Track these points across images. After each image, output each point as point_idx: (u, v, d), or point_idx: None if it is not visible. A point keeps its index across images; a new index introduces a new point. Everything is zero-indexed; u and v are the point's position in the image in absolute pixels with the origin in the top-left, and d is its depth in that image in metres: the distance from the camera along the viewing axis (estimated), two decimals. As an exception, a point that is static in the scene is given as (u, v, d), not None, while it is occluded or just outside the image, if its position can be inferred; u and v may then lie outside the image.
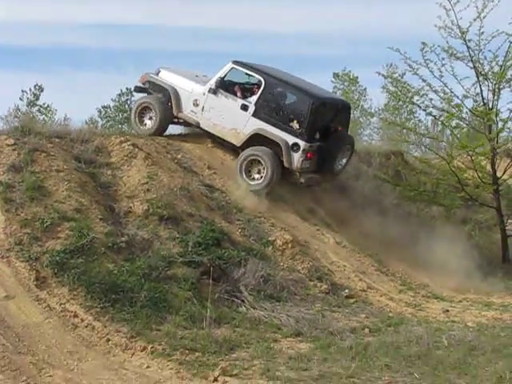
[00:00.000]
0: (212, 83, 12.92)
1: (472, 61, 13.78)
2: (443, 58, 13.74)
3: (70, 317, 8.48)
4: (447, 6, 13.40)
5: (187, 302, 9.19)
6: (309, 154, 12.36)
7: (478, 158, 14.17)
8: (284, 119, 12.43)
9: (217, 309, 9.26)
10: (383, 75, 15.04)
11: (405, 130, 19.27)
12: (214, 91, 12.87)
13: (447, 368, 7.89)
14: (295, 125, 12.32)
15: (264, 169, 12.36)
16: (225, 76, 12.94)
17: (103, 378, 7.56)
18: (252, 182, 12.43)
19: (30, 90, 32.25)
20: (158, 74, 13.65)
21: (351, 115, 14.19)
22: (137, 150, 11.87)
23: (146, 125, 13.38)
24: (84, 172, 10.95)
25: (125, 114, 32.86)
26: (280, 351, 8.47)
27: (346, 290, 10.89)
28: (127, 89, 33.23)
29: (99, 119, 32.80)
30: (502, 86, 13.90)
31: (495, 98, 13.98)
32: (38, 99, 32.56)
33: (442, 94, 14.02)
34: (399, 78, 14.83)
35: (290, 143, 12.28)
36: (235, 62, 12.95)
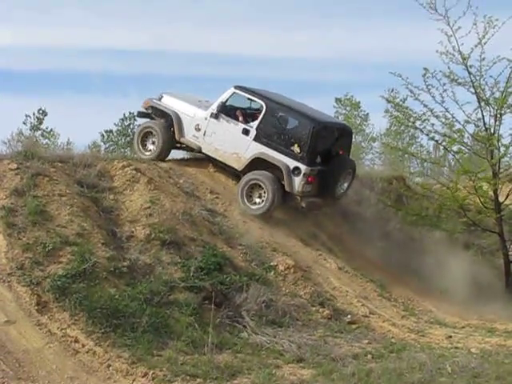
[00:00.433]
0: (214, 108, 12.99)
1: (473, 86, 13.85)
2: (445, 84, 13.81)
3: (70, 342, 8.43)
4: (449, 32, 13.51)
5: (189, 327, 9.14)
6: (310, 178, 12.38)
7: (480, 183, 14.16)
8: (285, 143, 12.47)
9: (218, 334, 9.21)
10: (386, 99, 15.14)
11: (407, 155, 19.35)
12: (215, 116, 12.95)
13: (451, 395, 7.84)
14: (296, 149, 12.35)
15: (265, 193, 12.37)
16: (226, 101, 13.01)
17: (104, 405, 7.51)
18: (253, 207, 12.44)
19: (34, 114, 32.50)
20: (160, 100, 13.73)
21: (353, 139, 14.21)
22: (139, 174, 11.89)
23: (148, 150, 13.43)
24: (86, 196, 10.96)
25: (127, 139, 33.02)
26: (282, 377, 8.40)
27: (349, 316, 10.83)
28: (130, 113, 33.45)
29: (102, 143, 32.97)
30: (503, 112, 13.94)
31: (497, 123, 14.02)
32: (41, 123, 32.76)
33: (443, 119, 14.07)
34: (401, 102, 14.91)
35: (291, 167, 12.31)
36: (237, 87, 13.03)
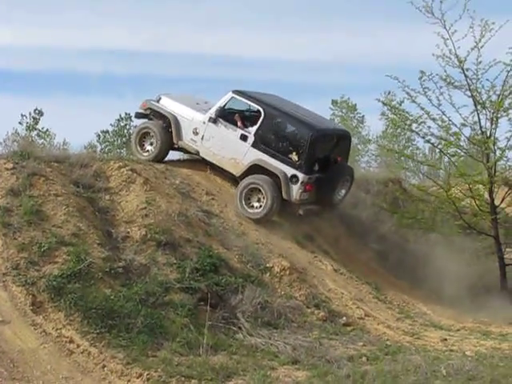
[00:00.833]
0: (212, 112, 12.95)
1: (470, 89, 13.89)
2: (441, 87, 13.85)
3: (65, 342, 8.43)
4: (445, 35, 13.55)
5: (184, 328, 9.14)
6: (308, 186, 12.34)
7: (475, 186, 14.19)
8: (283, 150, 12.42)
9: (214, 335, 9.20)
10: (382, 102, 15.17)
11: (403, 158, 19.36)
12: (213, 120, 12.90)
13: (445, 398, 7.84)
14: (294, 157, 12.31)
15: (264, 198, 12.34)
16: (225, 105, 12.97)
17: (98, 405, 7.50)
18: (250, 210, 12.41)
19: (30, 114, 32.39)
20: (158, 101, 13.65)
21: (351, 145, 14.18)
22: (135, 175, 11.87)
23: (146, 150, 13.38)
24: (82, 197, 10.94)
25: (124, 139, 32.96)
26: (277, 379, 8.40)
27: (344, 318, 10.83)
28: (126, 114, 33.39)
29: (98, 144, 32.90)
30: (499, 115, 13.98)
31: (493, 126, 14.06)
32: (37, 123, 32.67)
33: (439, 122, 14.10)
34: (397, 105, 14.94)
35: (289, 175, 12.27)
36: (235, 92, 12.97)
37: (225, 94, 13.10)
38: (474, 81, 13.83)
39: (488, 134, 14.07)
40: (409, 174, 16.92)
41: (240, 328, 9.65)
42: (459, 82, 13.90)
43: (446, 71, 13.80)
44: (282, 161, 12.34)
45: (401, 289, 12.72)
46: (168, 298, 9.58)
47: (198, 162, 13.49)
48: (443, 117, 14.01)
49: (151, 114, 13.68)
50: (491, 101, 13.92)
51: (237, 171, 12.78)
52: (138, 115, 14.07)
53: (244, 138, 12.67)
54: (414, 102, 14.01)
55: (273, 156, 12.41)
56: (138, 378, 8.10)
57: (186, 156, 14.23)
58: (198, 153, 13.22)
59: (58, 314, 8.71)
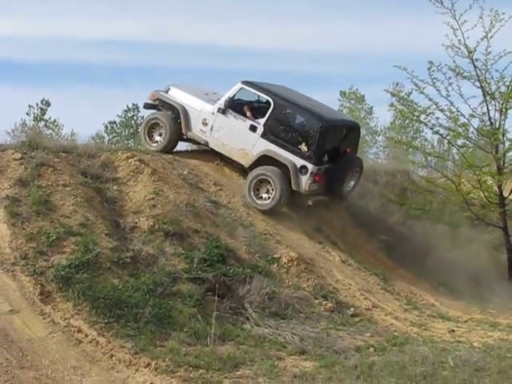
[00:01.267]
0: (221, 103, 12.92)
1: (479, 80, 13.83)
2: (450, 77, 13.80)
3: (74, 332, 8.45)
4: (454, 25, 13.48)
5: (192, 318, 9.16)
6: (317, 177, 12.31)
7: (484, 177, 14.14)
8: (292, 141, 12.40)
9: (221, 326, 9.21)
10: (391, 93, 15.10)
11: (411, 149, 19.31)
12: (223, 111, 12.87)
13: (453, 389, 7.84)
14: (303, 147, 12.28)
15: (273, 189, 12.32)
16: (234, 96, 12.94)
17: (106, 394, 7.53)
18: (259, 201, 12.39)
19: (37, 104, 32.51)
20: (167, 92, 13.63)
21: (360, 136, 14.12)
22: (143, 165, 11.88)
23: (155, 141, 13.38)
24: (90, 187, 10.96)
25: (131, 130, 33.03)
26: (284, 369, 8.42)
27: (351, 309, 10.83)
28: (133, 105, 33.46)
29: (105, 135, 32.99)
30: (508, 106, 13.92)
31: (502, 117, 14.01)
32: (44, 114, 32.78)
33: (448, 113, 14.07)
34: (406, 96, 14.88)
35: (298, 166, 12.24)
36: (244, 83, 12.94)
37: (234, 84, 13.07)
38: (483, 71, 13.80)
39: (497, 125, 14.03)
40: (417, 166, 16.82)
41: (248, 318, 9.66)
42: (468, 72, 13.87)
43: (454, 62, 13.78)
44: (292, 151, 12.32)
45: (408, 280, 12.70)
46: (176, 288, 9.59)
47: (206, 153, 13.49)
48: (452, 108, 13.98)
49: (160, 104, 13.66)
50: (500, 91, 13.88)
51: (246, 162, 12.77)
52: (147, 106, 14.05)
53: (253, 128, 12.65)
54: (422, 92, 13.98)
55: (282, 147, 12.39)
56: (145, 367, 8.12)
57: (194, 147, 14.23)
58: (207, 143, 13.22)
59: (67, 304, 8.74)
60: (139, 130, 15.83)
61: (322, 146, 12.35)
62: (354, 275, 11.93)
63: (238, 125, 12.80)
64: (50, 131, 30.84)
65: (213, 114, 13.00)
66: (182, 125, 13.26)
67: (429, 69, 13.81)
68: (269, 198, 12.37)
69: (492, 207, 14.23)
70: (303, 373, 8.26)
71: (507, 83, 13.77)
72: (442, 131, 14.60)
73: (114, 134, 34.07)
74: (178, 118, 13.33)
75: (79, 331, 8.46)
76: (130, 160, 11.94)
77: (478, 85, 13.86)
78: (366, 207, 14.29)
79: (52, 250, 9.39)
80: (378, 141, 31.64)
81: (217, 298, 9.51)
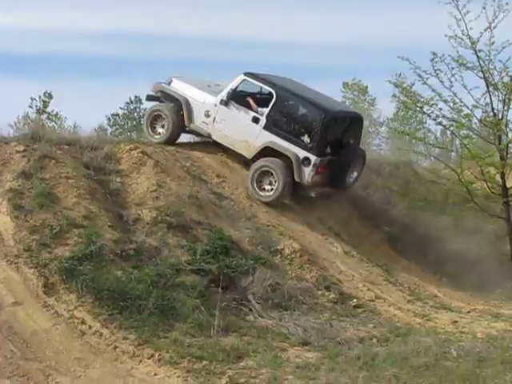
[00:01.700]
0: (224, 95, 12.90)
1: (482, 71, 13.77)
2: (453, 68, 13.73)
3: (77, 323, 8.48)
4: (458, 15, 13.41)
5: (195, 310, 9.17)
6: (320, 169, 12.30)
7: (487, 168, 14.11)
8: (295, 133, 12.38)
9: (224, 317, 9.22)
10: (394, 84, 15.04)
11: (414, 140, 19.26)
12: (225, 103, 12.85)
13: (456, 379, 7.84)
14: (306, 139, 12.27)
15: (276, 181, 12.32)
16: (236, 88, 12.92)
17: (110, 385, 7.56)
18: (262, 193, 12.39)
19: (40, 97, 32.48)
20: (170, 84, 13.60)
21: (363, 127, 14.08)
22: (146, 157, 11.89)
23: (158, 133, 13.37)
24: (93, 179, 10.97)
25: (134, 122, 33.03)
26: (287, 360, 8.44)
27: (354, 300, 10.84)
28: (136, 97, 33.44)
29: (108, 127, 32.99)
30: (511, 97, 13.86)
31: (505, 108, 13.94)
32: (47, 107, 32.77)
33: (451, 104, 13.99)
34: (409, 87, 14.83)
35: (301, 157, 12.23)
36: (247, 74, 12.91)
37: (236, 76, 13.05)
38: (486, 62, 13.71)
39: (500, 116, 13.97)
40: (420, 157, 16.80)
41: (251, 310, 9.68)
42: (471, 63, 13.78)
43: (458, 52, 13.69)
44: (294, 143, 12.30)
45: (411, 271, 12.71)
46: (179, 280, 9.61)
47: (208, 145, 13.48)
48: (455, 98, 13.90)
49: (162, 96, 13.64)
50: (503, 82, 13.80)
51: (249, 153, 12.76)
52: (150, 98, 14.04)
53: (256, 120, 12.63)
54: (425, 83, 13.91)
55: (285, 138, 12.37)
56: (149, 358, 8.14)
57: (196, 138, 14.22)
58: (209, 135, 13.21)
59: (70, 296, 8.76)
60: (142, 122, 15.85)
61: (325, 137, 12.34)
62: (357, 266, 11.93)
63: (241, 116, 12.78)
64: (53, 124, 30.84)
65: (215, 105, 12.98)
66: (185, 117, 13.24)
67: (432, 60, 13.75)
68: (272, 189, 12.37)
69: (495, 198, 14.20)
70: (306, 364, 8.28)
71: (510, 74, 13.70)
72: (445, 122, 14.54)
73: (117, 126, 34.09)
74: (180, 109, 13.31)
75: (83, 323, 8.49)
76: (132, 152, 11.95)
77: (481, 75, 13.80)
78: (369, 198, 14.28)
79: (55, 242, 9.41)
80: (380, 132, 31.61)
81: (220, 290, 9.52)
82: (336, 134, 12.78)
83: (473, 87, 13.81)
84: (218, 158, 13.27)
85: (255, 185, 12.40)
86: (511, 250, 14.32)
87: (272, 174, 12.34)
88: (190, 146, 13.78)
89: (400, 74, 16.25)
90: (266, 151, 12.50)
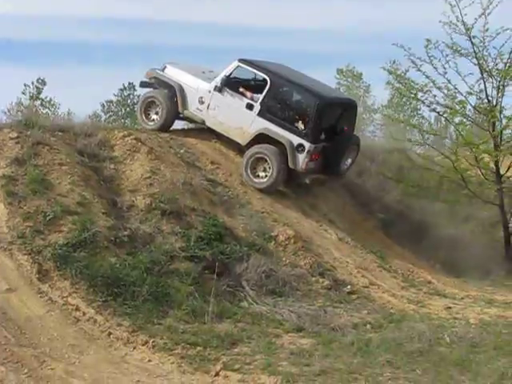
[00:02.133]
0: (218, 81, 12.85)
1: (476, 57, 13.76)
2: (447, 55, 13.72)
3: (71, 310, 8.49)
4: (452, 1, 13.38)
5: (189, 296, 9.18)
6: (314, 155, 12.28)
7: (481, 155, 14.13)
8: (289, 119, 12.35)
9: (219, 303, 9.24)
10: (388, 70, 15.02)
11: (408, 127, 19.26)
12: (219, 89, 12.80)
13: (449, 365, 7.90)
14: (300, 125, 12.25)
15: (270, 168, 12.30)
16: (230, 74, 12.86)
17: (104, 372, 7.57)
18: (256, 180, 12.38)
19: (33, 83, 32.33)
20: (163, 70, 13.53)
21: (357, 114, 14.05)
22: (140, 144, 11.85)
23: (152, 120, 13.32)
24: (87, 166, 10.94)
25: (127, 109, 32.92)
26: (282, 346, 8.47)
27: (348, 286, 10.86)
28: (130, 83, 33.31)
29: (102, 114, 32.87)
30: (506, 83, 13.87)
31: (499, 95, 13.96)
32: (40, 93, 32.62)
33: (445, 91, 14.02)
34: (403, 74, 14.80)
35: (295, 144, 12.20)
36: (241, 60, 12.84)
37: (231, 62, 12.99)
38: (480, 48, 13.72)
39: (494, 103, 13.99)
40: (414, 144, 16.80)
41: (245, 296, 9.70)
42: (465, 49, 13.79)
43: (452, 39, 13.68)
44: (289, 130, 12.28)
45: (405, 257, 12.74)
46: (173, 267, 9.61)
47: (202, 131, 13.44)
48: (449, 85, 13.92)
49: (156, 83, 13.57)
50: (498, 69, 13.81)
51: (243, 140, 12.73)
52: (143, 84, 13.96)
53: (250, 106, 12.59)
54: (419, 70, 13.90)
55: (279, 125, 12.34)
56: (143, 345, 8.16)
57: (190, 125, 14.17)
58: (203, 122, 13.16)
59: (64, 283, 8.76)
60: (136, 108, 15.78)
61: (319, 124, 12.31)
62: (351, 253, 11.96)
63: (235, 103, 12.74)
64: (47, 110, 30.71)
65: (209, 92, 12.93)
66: (179, 103, 13.19)
67: (426, 46, 13.74)
68: (266, 176, 12.36)
69: (489, 184, 14.24)
70: (300, 350, 8.31)
71: (505, 60, 13.71)
72: (439, 109, 14.55)
73: (111, 113, 33.95)
74: (174, 96, 13.25)
75: (77, 309, 8.49)
76: (126, 139, 11.91)
77: (476, 62, 13.80)
78: (363, 185, 14.30)
79: (49, 228, 9.39)
80: (375, 119, 31.56)
81: (214, 276, 9.52)
82: (330, 121, 12.75)
83: (467, 74, 13.85)
84: (212, 144, 13.24)
85: (249, 171, 12.39)
86: (504, 237, 14.39)
87: (266, 160, 12.32)
88: (184, 132, 13.74)
89: (394, 61, 16.24)
90: (261, 138, 12.47)
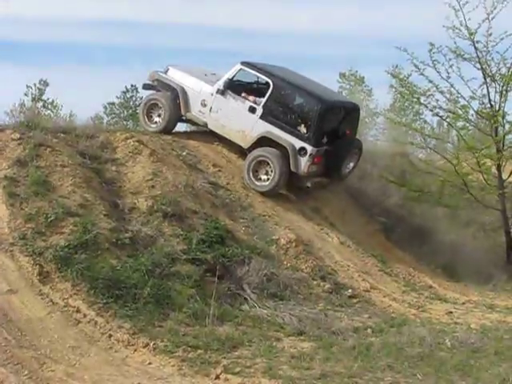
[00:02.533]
0: (220, 84, 12.86)
1: (479, 62, 13.76)
2: (450, 59, 13.72)
3: (72, 312, 8.47)
4: (456, 6, 13.38)
5: (190, 299, 9.17)
6: (316, 159, 12.29)
7: (483, 159, 14.12)
8: (291, 123, 12.35)
9: (220, 306, 9.23)
10: (391, 74, 15.02)
11: (410, 131, 19.24)
12: (222, 92, 12.80)
13: (450, 370, 7.88)
14: (303, 129, 12.25)
15: (272, 171, 12.30)
16: (233, 77, 12.87)
17: (105, 374, 7.56)
18: (258, 183, 12.38)
19: (35, 85, 32.32)
20: (166, 72, 13.54)
21: (360, 117, 14.06)
22: (142, 146, 11.85)
23: (154, 122, 13.32)
24: (89, 167, 10.94)
25: (130, 111, 32.91)
26: (282, 350, 8.45)
27: (349, 290, 10.86)
28: (132, 86, 33.30)
29: (104, 116, 32.86)
30: (509, 88, 13.86)
31: (502, 99, 13.95)
32: (42, 95, 32.61)
33: (448, 95, 14.03)
34: (405, 78, 14.80)
35: (297, 147, 12.20)
36: (244, 63, 12.85)
37: (233, 65, 12.99)
38: (483, 53, 13.73)
39: (497, 108, 13.98)
40: (416, 148, 16.78)
41: (246, 299, 9.69)
42: (469, 54, 13.79)
43: (455, 43, 13.68)
44: (291, 133, 12.28)
45: (407, 262, 12.72)
46: (174, 269, 9.60)
47: (205, 134, 13.45)
48: (452, 89, 13.93)
49: (159, 85, 13.58)
50: (501, 74, 13.81)
51: (245, 143, 12.74)
52: (146, 86, 13.97)
53: (252, 110, 12.60)
54: (422, 74, 13.91)
55: (281, 128, 12.35)
56: (144, 347, 8.14)
57: (193, 128, 14.18)
58: (205, 125, 13.17)
59: (65, 284, 8.75)
60: (138, 110, 15.78)
61: (321, 127, 12.31)
62: (353, 257, 11.95)
63: (237, 106, 12.74)
64: (49, 112, 30.71)
65: (212, 95, 12.94)
66: (181, 106, 13.20)
67: (429, 50, 13.74)
68: (268, 179, 12.36)
69: (491, 189, 14.22)
70: (301, 353, 8.29)
71: (508, 65, 13.71)
72: (441, 113, 14.56)
73: (113, 115, 33.94)
74: (176, 98, 13.26)
75: (78, 311, 8.48)
76: (128, 141, 11.91)
77: (479, 67, 13.80)
78: (364, 189, 14.28)
79: (50, 230, 9.38)
80: (377, 122, 31.49)
81: (216, 279, 9.51)
82: (332, 124, 12.75)
83: (470, 78, 13.83)
84: (215, 147, 13.24)
85: (251, 174, 12.39)
86: (506, 242, 14.37)
87: (268, 163, 12.32)
88: (186, 135, 13.75)
89: (397, 65, 16.24)
90: (263, 141, 12.47)
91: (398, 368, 7.88)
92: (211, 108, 12.96)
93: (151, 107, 13.38)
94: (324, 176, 12.75)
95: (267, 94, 12.51)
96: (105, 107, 33.86)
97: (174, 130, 13.61)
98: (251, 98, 12.72)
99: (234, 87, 12.85)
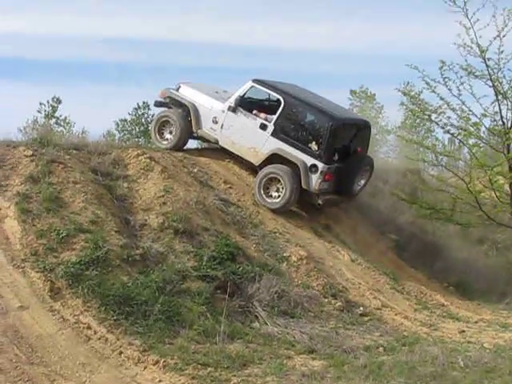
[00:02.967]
0: (231, 101, 12.91)
1: (491, 79, 13.74)
2: (462, 77, 13.71)
3: (83, 328, 8.46)
4: (467, 24, 13.40)
5: (201, 316, 9.15)
6: (327, 176, 12.28)
7: (495, 177, 14.06)
8: (303, 140, 12.37)
9: (230, 324, 9.20)
10: (402, 92, 15.03)
11: (422, 149, 19.21)
12: (233, 109, 12.86)
13: (463, 389, 7.79)
14: (314, 146, 12.26)
15: (283, 188, 12.30)
16: (244, 94, 12.93)
17: (115, 391, 7.54)
18: (269, 200, 12.39)
19: (48, 102, 32.50)
20: (178, 90, 13.63)
21: (371, 135, 14.06)
22: (153, 163, 11.90)
23: (166, 139, 13.38)
24: (101, 184, 10.98)
25: (142, 128, 33.03)
26: (293, 368, 8.39)
27: (361, 308, 10.80)
28: (144, 102, 33.42)
29: (116, 132, 32.97)
30: (521, 106, 13.81)
31: (514, 117, 13.90)
32: (55, 111, 32.79)
33: (459, 113, 13.98)
34: (416, 95, 14.80)
35: (309, 164, 12.22)
36: (255, 81, 12.92)
37: (245, 83, 13.05)
38: (495, 70, 13.70)
39: (509, 125, 13.93)
40: (428, 165, 16.75)
41: (257, 317, 9.65)
42: (480, 71, 13.77)
43: (466, 61, 13.68)
44: (302, 150, 12.29)
45: (418, 279, 12.65)
46: (185, 286, 9.59)
47: (216, 151, 13.49)
48: (463, 107, 13.89)
49: (170, 102, 13.67)
50: (513, 91, 13.77)
51: (256, 160, 12.76)
52: (158, 104, 14.06)
53: (263, 127, 12.63)
54: (433, 91, 13.89)
55: (292, 145, 12.37)
56: (154, 364, 8.11)
57: (204, 144, 14.22)
58: (217, 141, 13.21)
59: (76, 301, 8.75)
60: (150, 127, 15.85)
61: (333, 144, 12.32)
62: (364, 274, 11.89)
63: (249, 123, 12.78)
64: (61, 128, 30.86)
65: (223, 112, 12.99)
66: (193, 123, 13.26)
67: (440, 68, 13.74)
68: (279, 196, 12.36)
69: (503, 207, 14.15)
70: (312, 372, 8.22)
71: (520, 82, 13.68)
72: (453, 130, 14.52)
73: (125, 132, 34.06)
74: (188, 115, 13.33)
75: (88, 328, 8.47)
76: (140, 157, 11.96)
77: (490, 84, 13.78)
78: (376, 206, 14.25)
79: (62, 246, 9.41)
80: (388, 140, 31.48)
81: (226, 297, 9.49)
82: (344, 142, 12.76)
83: (482, 96, 13.79)
84: (226, 164, 13.27)
85: (262, 192, 12.40)
86: (519, 260, 14.28)
87: (279, 180, 12.33)
88: (197, 152, 13.79)
89: (408, 83, 16.25)
90: (274, 158, 12.49)
91: (410, 387, 7.80)
92: (222, 125, 13.00)
93: (163, 124, 13.45)
94: (335, 193, 12.73)
95: (278, 112, 12.55)
96: (117, 124, 33.99)
97: (185, 147, 13.66)
98: (262, 115, 12.76)
99: (246, 104, 12.90)
